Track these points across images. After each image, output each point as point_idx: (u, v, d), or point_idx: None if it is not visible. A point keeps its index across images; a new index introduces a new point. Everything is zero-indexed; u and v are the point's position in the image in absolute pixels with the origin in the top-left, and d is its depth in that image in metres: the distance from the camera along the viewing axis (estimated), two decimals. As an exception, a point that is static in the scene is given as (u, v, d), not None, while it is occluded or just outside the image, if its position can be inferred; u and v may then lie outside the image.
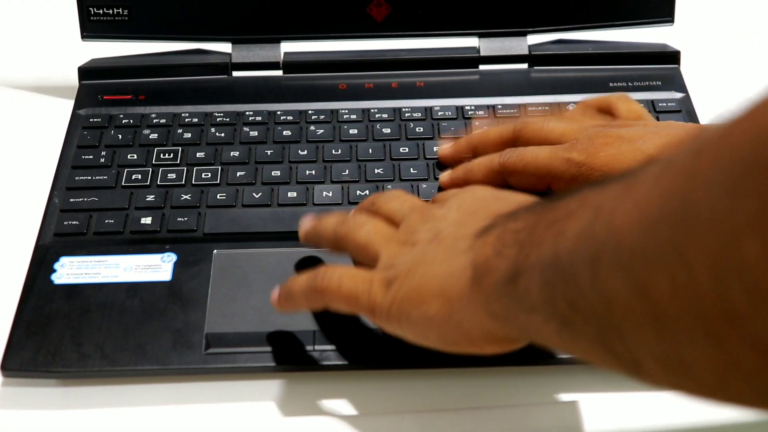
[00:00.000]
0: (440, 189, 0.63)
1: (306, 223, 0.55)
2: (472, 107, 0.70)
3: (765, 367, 0.28)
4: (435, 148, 0.66)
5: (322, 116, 0.70)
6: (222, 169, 0.65)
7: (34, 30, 0.82)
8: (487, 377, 0.54)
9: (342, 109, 0.70)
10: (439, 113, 0.69)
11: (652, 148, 0.55)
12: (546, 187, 0.59)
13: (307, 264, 0.58)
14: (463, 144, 0.64)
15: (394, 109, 0.70)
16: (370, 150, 0.67)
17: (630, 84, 0.71)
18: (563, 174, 0.57)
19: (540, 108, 0.69)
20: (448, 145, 0.65)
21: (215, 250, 0.59)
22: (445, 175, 0.63)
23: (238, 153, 0.66)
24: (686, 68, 0.73)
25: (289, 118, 0.69)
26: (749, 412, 0.30)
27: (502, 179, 0.60)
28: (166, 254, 0.59)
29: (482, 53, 0.74)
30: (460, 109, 0.70)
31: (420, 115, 0.69)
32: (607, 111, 0.63)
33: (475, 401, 0.53)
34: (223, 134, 0.68)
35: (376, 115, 0.69)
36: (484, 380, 0.54)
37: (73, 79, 0.73)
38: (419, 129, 0.68)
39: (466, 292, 0.43)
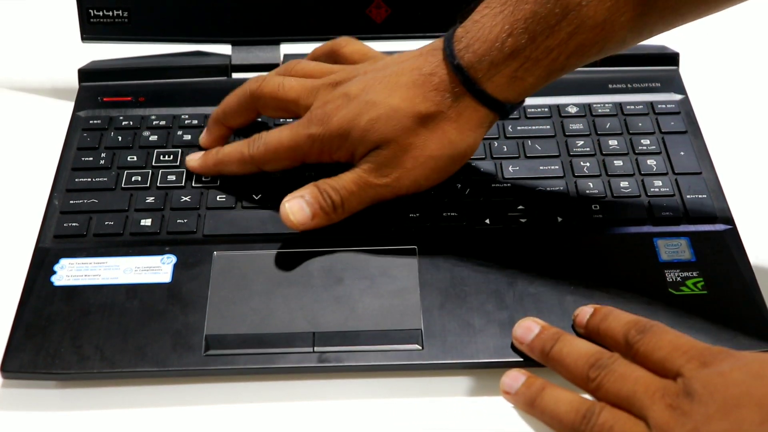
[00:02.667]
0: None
1: (523, 333, 0.54)
2: (472, 109, 0.70)
3: None
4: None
5: (322, 118, 0.69)
6: (221, 171, 0.65)
7: (34, 32, 0.82)
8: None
9: (341, 111, 0.70)
10: (439, 115, 0.69)
11: (373, 95, 0.58)
12: (300, 163, 0.61)
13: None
14: (211, 122, 0.66)
15: (394, 111, 0.70)
16: (370, 152, 0.67)
17: (629, 85, 0.71)
18: (310, 150, 0.60)
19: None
20: (203, 132, 0.66)
21: (215, 252, 0.59)
22: (193, 160, 0.65)
23: None
24: (685, 70, 0.73)
25: (289, 119, 0.69)
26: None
27: (257, 168, 0.62)
28: (165, 256, 0.59)
29: (482, 55, 0.74)
30: (459, 111, 0.70)
31: (419, 116, 0.69)
32: (335, 59, 0.66)
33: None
34: (222, 136, 0.68)
35: (376, 117, 0.69)
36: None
37: (73, 81, 0.74)
38: (419, 130, 0.68)
39: None
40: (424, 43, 0.74)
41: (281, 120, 0.68)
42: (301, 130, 0.60)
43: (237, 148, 0.63)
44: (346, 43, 0.66)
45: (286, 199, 0.59)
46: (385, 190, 0.59)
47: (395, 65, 0.59)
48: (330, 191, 0.58)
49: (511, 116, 0.63)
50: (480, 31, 0.56)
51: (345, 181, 0.59)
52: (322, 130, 0.59)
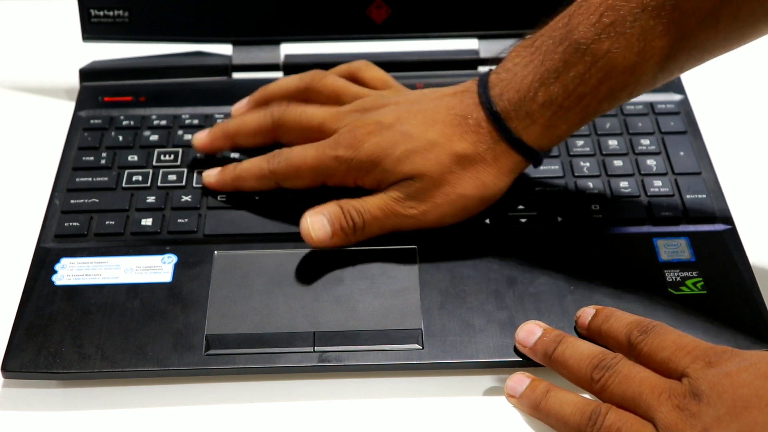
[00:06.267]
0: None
1: (526, 337, 0.54)
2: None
3: None
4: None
5: (322, 118, 0.70)
6: (222, 171, 0.65)
7: (35, 32, 0.83)
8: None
9: (342, 111, 0.70)
10: (439, 115, 0.69)
11: (409, 127, 0.58)
12: (320, 184, 0.61)
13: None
14: (219, 133, 0.64)
15: (394, 111, 0.70)
16: (370, 151, 0.67)
17: (629, 86, 0.71)
18: (335, 172, 0.59)
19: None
20: (204, 133, 0.65)
21: (216, 252, 0.60)
22: (210, 176, 0.63)
23: (238, 155, 0.66)
24: (685, 70, 0.73)
25: None
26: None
27: (275, 184, 0.61)
28: (166, 255, 0.59)
29: (482, 55, 0.74)
30: (459, 111, 0.70)
31: (420, 116, 0.69)
32: (353, 80, 0.65)
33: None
34: (223, 136, 0.68)
35: (376, 117, 0.69)
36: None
37: (74, 81, 0.74)
38: (419, 131, 0.68)
39: None
40: (424, 44, 0.74)
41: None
42: (328, 151, 0.59)
43: (256, 163, 0.62)
44: (366, 68, 0.66)
45: (308, 213, 0.58)
46: (410, 221, 0.58)
47: (429, 101, 0.59)
48: (353, 213, 0.58)
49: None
50: (513, 80, 0.56)
51: (370, 205, 0.58)
52: (351, 154, 0.58)
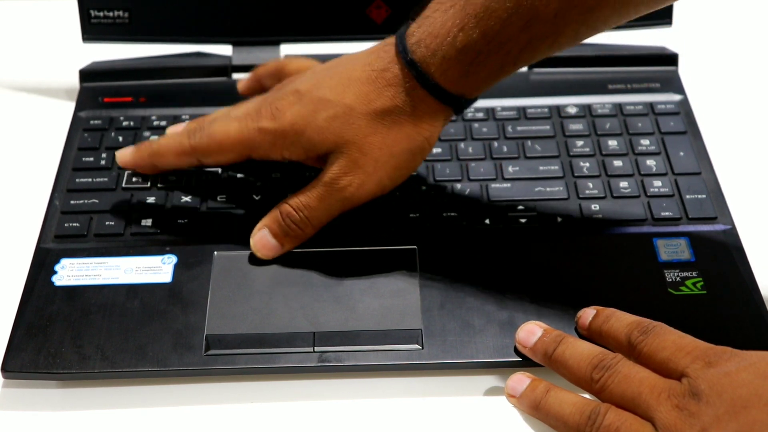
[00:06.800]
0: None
1: (526, 337, 0.53)
2: (471, 110, 0.70)
3: None
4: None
5: (322, 118, 0.70)
6: (222, 171, 0.65)
7: (35, 32, 0.83)
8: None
9: (342, 111, 0.70)
10: (439, 115, 0.69)
11: (326, 92, 0.57)
12: (245, 158, 0.60)
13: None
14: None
15: (394, 111, 0.70)
16: (370, 152, 0.67)
17: (628, 86, 0.71)
18: (260, 144, 0.59)
19: None
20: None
21: (216, 252, 0.60)
22: (125, 154, 0.62)
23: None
24: (684, 70, 0.73)
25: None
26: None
27: (197, 161, 0.61)
28: (166, 256, 0.60)
29: (482, 55, 0.74)
30: (459, 111, 0.70)
31: (419, 117, 0.69)
32: (280, 78, 0.65)
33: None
34: (223, 136, 0.68)
35: (376, 117, 0.69)
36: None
37: (74, 82, 0.74)
38: (419, 131, 0.68)
39: None
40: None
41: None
42: (250, 123, 0.58)
43: (176, 139, 0.61)
44: (290, 61, 0.66)
45: (252, 233, 0.59)
46: (353, 199, 0.58)
47: (347, 62, 0.59)
48: (292, 214, 0.58)
49: (477, 112, 0.62)
50: (432, 27, 0.56)
51: (307, 198, 0.58)
52: (274, 125, 0.58)
